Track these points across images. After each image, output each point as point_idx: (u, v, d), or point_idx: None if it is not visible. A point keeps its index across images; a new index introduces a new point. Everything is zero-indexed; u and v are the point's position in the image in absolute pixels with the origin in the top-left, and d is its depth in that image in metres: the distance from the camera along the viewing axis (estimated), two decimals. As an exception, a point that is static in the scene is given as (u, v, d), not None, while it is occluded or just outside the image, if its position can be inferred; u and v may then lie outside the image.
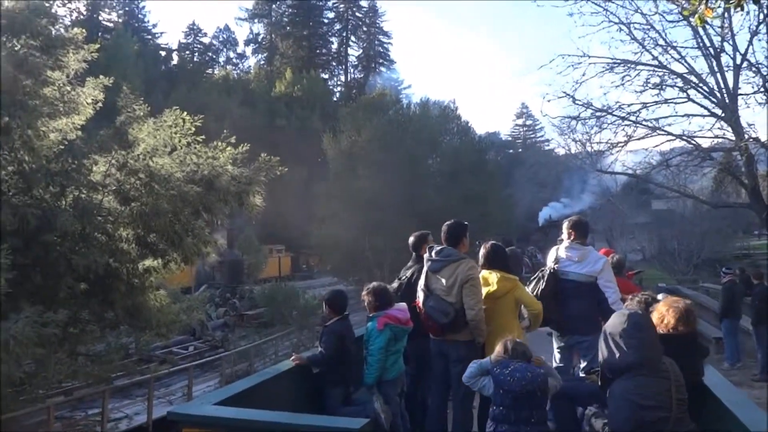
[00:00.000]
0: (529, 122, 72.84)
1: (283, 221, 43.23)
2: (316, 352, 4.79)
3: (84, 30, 8.89)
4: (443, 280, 4.62)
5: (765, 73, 15.09)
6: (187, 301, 11.80)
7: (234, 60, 79.04)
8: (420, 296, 4.73)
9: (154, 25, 68.35)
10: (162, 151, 8.16)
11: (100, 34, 48.61)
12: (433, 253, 4.73)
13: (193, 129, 8.82)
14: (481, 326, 4.58)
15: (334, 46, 79.96)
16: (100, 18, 57.13)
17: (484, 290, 4.70)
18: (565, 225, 5.45)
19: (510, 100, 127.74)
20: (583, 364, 5.06)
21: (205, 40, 75.41)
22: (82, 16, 43.27)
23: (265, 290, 23.35)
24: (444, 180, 29.06)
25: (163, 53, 66.73)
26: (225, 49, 79.12)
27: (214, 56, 77.28)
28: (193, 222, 8.57)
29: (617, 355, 2.99)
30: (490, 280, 4.80)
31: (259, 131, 46.83)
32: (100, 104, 8.84)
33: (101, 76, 8.77)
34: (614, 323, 3.11)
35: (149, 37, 65.23)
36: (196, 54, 74.95)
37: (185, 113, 9.21)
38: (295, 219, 40.54)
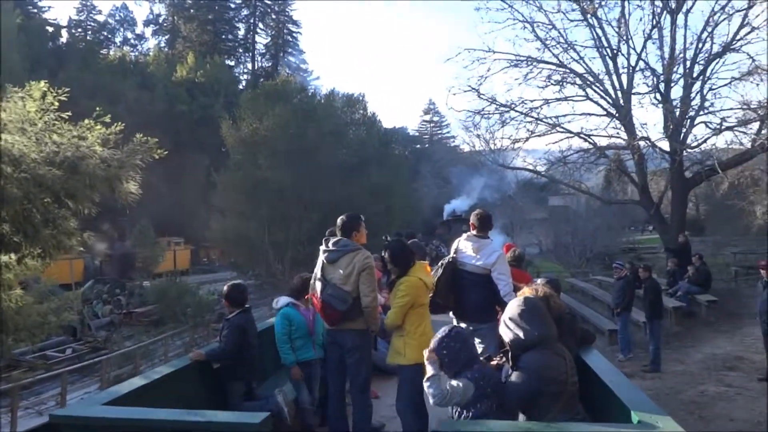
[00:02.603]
0: (435, 118, 73.81)
1: (183, 212, 41.13)
2: (215, 347, 4.75)
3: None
4: (340, 270, 4.68)
5: (659, 74, 15.72)
6: (57, 300, 10.49)
7: (132, 41, 74.36)
8: (317, 286, 4.75)
9: (40, -1, 62.67)
10: (13, 127, 6.97)
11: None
12: (329, 244, 4.80)
13: (57, 104, 7.64)
14: (375, 314, 4.69)
15: (241, 33, 77.00)
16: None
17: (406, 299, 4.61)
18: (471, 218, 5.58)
19: (418, 97, 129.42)
20: (480, 351, 4.99)
21: (100, 18, 70.29)
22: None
23: (156, 286, 21.73)
24: (349, 172, 28.32)
25: (50, 29, 61.35)
26: (122, 29, 74.28)
27: (110, 36, 72.21)
28: (55, 211, 7.43)
29: (521, 333, 3.15)
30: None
31: (158, 117, 44.34)
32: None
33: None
34: (513, 307, 3.29)
35: (35, 10, 59.79)
36: (89, 33, 69.62)
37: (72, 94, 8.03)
38: (195, 210, 38.64)
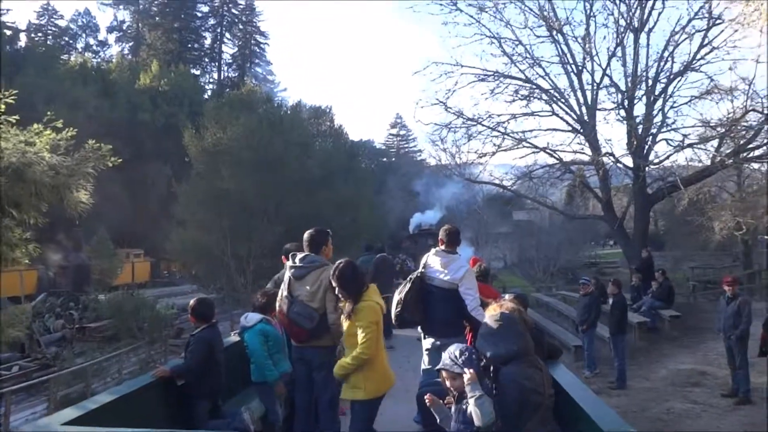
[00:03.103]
0: (402, 132, 73.97)
1: (144, 224, 40.02)
2: (180, 363, 4.60)
3: None
4: (307, 287, 4.66)
5: (623, 91, 15.92)
6: (2, 314, 9.86)
7: (94, 47, 72.74)
8: (284, 304, 4.70)
9: (-4, 0, 60.75)
10: (-48, 131, 6.48)
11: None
12: (296, 260, 4.77)
13: (3, 107, 7.17)
14: (341, 330, 4.57)
15: (208, 42, 76.17)
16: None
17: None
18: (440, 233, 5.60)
19: (385, 110, 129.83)
20: None
21: (62, 23, 68.61)
22: None
23: (110, 299, 20.86)
24: (314, 184, 27.81)
25: (8, 32, 59.49)
26: (84, 35, 72.68)
27: (72, 41, 70.55)
28: (-5, 221, 6.94)
29: (500, 347, 3.20)
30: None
31: (119, 125, 43.22)
32: None
33: None
34: (490, 322, 3.35)
35: (-8, 13, 57.92)
36: (50, 37, 67.89)
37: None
38: (157, 222, 37.61)
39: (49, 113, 7.85)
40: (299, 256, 4.79)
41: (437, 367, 3.43)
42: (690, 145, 15.25)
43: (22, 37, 62.27)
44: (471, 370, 3.18)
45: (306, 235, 4.88)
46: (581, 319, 11.04)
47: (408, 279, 5.40)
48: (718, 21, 15.12)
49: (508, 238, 44.58)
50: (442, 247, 5.43)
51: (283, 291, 4.77)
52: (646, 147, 16.20)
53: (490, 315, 3.43)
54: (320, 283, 4.63)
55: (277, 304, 4.83)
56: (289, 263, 4.85)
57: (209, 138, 26.45)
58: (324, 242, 4.90)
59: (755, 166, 18.94)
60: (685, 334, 12.93)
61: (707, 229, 23.69)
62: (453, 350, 3.38)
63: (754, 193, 22.69)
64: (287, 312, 4.64)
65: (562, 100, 16.83)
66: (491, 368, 3.29)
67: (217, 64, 76.45)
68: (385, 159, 66.05)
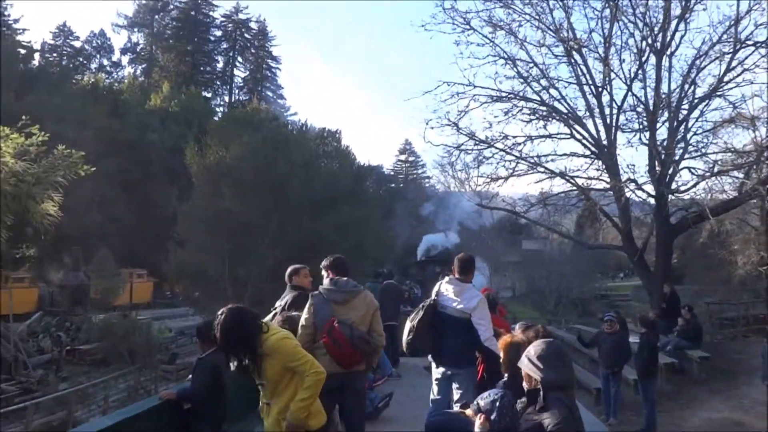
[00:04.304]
0: (411, 158, 73.53)
1: (149, 244, 39.38)
2: (187, 386, 4.59)
3: None
4: (357, 311, 4.67)
5: (644, 115, 15.13)
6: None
7: (108, 68, 73.37)
8: (340, 329, 4.56)
9: (16, 20, 61.43)
10: None
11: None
12: (338, 285, 4.75)
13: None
14: (380, 352, 4.96)
15: (220, 65, 76.82)
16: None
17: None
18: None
19: (395, 137, 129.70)
20: (456, 397, 5.14)
21: (77, 44, 69.34)
22: None
23: (102, 321, 19.96)
24: (319, 206, 26.98)
25: (23, 51, 59.97)
26: (98, 56, 73.50)
27: (86, 62, 71.29)
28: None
29: (553, 371, 3.02)
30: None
31: (128, 145, 43.00)
32: None
33: None
34: (539, 348, 3.15)
35: (9, 32, 58.50)
36: (65, 57, 68.62)
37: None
38: (161, 242, 36.99)
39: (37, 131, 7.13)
40: (340, 279, 4.79)
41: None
42: (720, 173, 14.36)
43: (36, 56, 62.91)
44: (482, 416, 3.11)
45: (335, 259, 4.96)
46: (612, 361, 9.82)
47: (420, 306, 5.40)
48: (744, 44, 14.38)
49: (517, 268, 43.69)
50: (456, 275, 5.39)
51: (318, 315, 4.63)
52: (669, 174, 15.35)
53: (541, 341, 3.27)
54: (368, 307, 4.71)
55: (320, 330, 4.61)
56: (326, 287, 4.78)
57: (212, 156, 25.82)
58: (348, 267, 4.99)
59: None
60: (715, 378, 11.88)
61: (729, 263, 22.68)
62: (486, 394, 3.30)
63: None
64: (350, 336, 4.54)
65: (577, 125, 16.09)
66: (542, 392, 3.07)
67: (228, 87, 77.06)
68: (393, 185, 65.56)
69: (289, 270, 5.77)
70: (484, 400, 3.22)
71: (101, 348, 18.09)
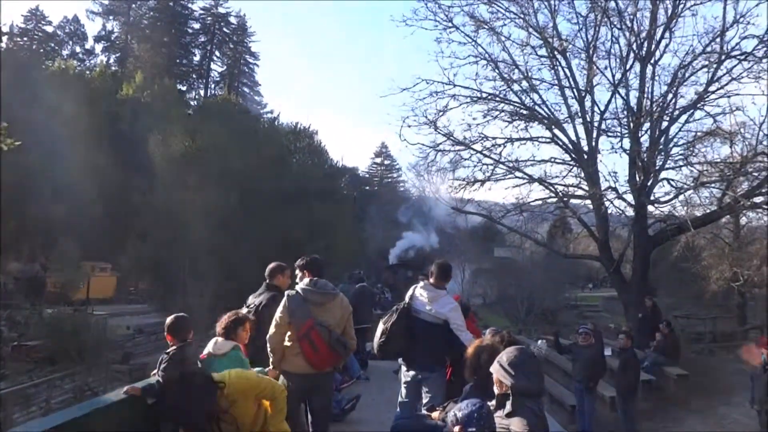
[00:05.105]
0: (387, 162, 72.97)
1: (117, 237, 38.03)
2: (152, 381, 4.40)
3: None
4: (332, 314, 4.71)
5: (625, 123, 14.78)
6: None
7: (81, 56, 71.37)
8: (319, 331, 4.59)
9: (-16, 2, 59.35)
10: None
11: None
12: (316, 286, 4.76)
13: None
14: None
15: (197, 59, 75.30)
16: None
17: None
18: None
19: (371, 140, 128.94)
20: (425, 400, 5.14)
21: (49, 29, 67.39)
22: None
23: (50, 316, 18.81)
24: (288, 202, 26.07)
25: (-10, 35, 57.88)
26: (71, 43, 71.50)
27: (57, 48, 69.33)
28: None
29: (524, 378, 3.01)
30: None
31: (98, 134, 41.58)
32: None
33: None
34: (511, 354, 3.12)
35: (-29, 15, 56.41)
36: (36, 42, 66.65)
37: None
38: (129, 234, 35.71)
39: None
40: (317, 281, 4.79)
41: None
42: (703, 184, 14.06)
43: (4, 39, 60.88)
44: (460, 428, 3.02)
45: (310, 258, 4.96)
46: (586, 375, 9.27)
47: (394, 310, 5.38)
48: (729, 55, 14.12)
49: (489, 275, 43.46)
50: (431, 281, 5.38)
51: (309, 317, 4.61)
52: (648, 185, 15.04)
53: (513, 347, 3.27)
54: (343, 311, 4.77)
55: (295, 330, 4.62)
56: (303, 287, 4.76)
57: (176, 146, 24.80)
58: (324, 267, 4.99)
59: (751, 214, 17.99)
60: (693, 396, 11.49)
61: (702, 278, 22.59)
62: (463, 405, 3.15)
63: (751, 243, 21.73)
64: (329, 340, 4.57)
65: (560, 128, 15.69)
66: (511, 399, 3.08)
67: (204, 81, 75.51)
68: (368, 187, 64.98)
69: (271, 267, 5.62)
70: (462, 411, 3.09)
71: (48, 345, 16.99)
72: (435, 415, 3.56)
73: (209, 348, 4.71)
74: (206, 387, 3.30)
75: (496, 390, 3.13)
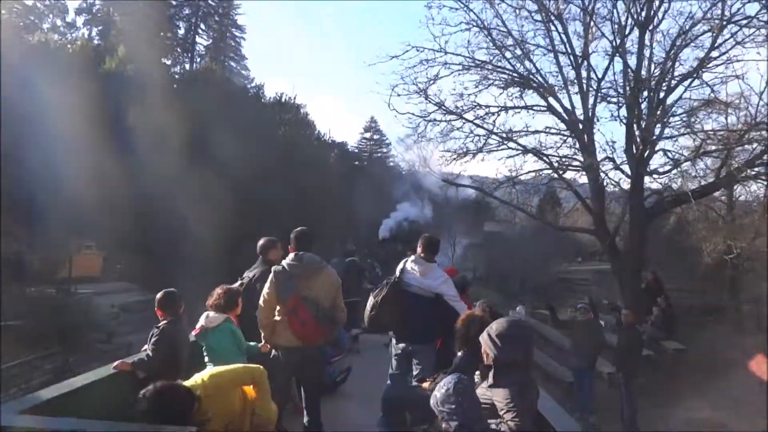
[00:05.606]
0: (376, 137, 72.18)
1: (105, 213, 37.22)
2: (143, 356, 4.53)
3: None
4: (320, 287, 4.73)
5: (623, 93, 14.30)
6: None
7: (62, 29, 69.65)
8: (305, 305, 4.63)
9: (-45, -29, 57.50)
10: None
11: None
12: (302, 260, 4.76)
13: None
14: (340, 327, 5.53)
15: (181, 32, 73.63)
16: None
17: None
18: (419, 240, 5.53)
19: (360, 115, 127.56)
20: (415, 372, 5.16)
21: (29, 2, 65.64)
22: None
23: (30, 295, 18.26)
24: (273, 173, 25.29)
25: (-39, 8, 56.17)
26: (51, 16, 69.72)
27: (37, 21, 67.63)
28: None
29: (509, 349, 2.99)
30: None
31: (80, 107, 40.59)
32: None
33: None
34: (500, 325, 3.11)
35: (-56, -17, 54.69)
36: (14, 15, 64.96)
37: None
38: (116, 209, 34.94)
39: None
40: (301, 255, 4.78)
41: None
42: (704, 154, 13.66)
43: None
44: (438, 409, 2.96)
45: (298, 232, 4.89)
46: (588, 352, 8.90)
47: (384, 283, 5.42)
48: (733, 20, 13.60)
49: (479, 249, 43.39)
50: (421, 254, 5.40)
51: (292, 292, 4.64)
52: (646, 155, 14.62)
53: (503, 319, 3.25)
54: (331, 284, 4.79)
55: (283, 305, 4.68)
56: (288, 261, 4.78)
57: (155, 116, 24.07)
58: (312, 240, 4.96)
59: (750, 188, 17.63)
60: (691, 371, 11.24)
61: (696, 250, 22.30)
62: (441, 384, 2.94)
63: (746, 214, 21.42)
64: (316, 314, 4.62)
65: (555, 97, 15.19)
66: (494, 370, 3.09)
67: (189, 55, 73.95)
68: (357, 162, 64.42)
69: (262, 242, 5.70)
70: (439, 390, 2.89)
71: (27, 325, 16.44)
72: (425, 385, 3.58)
73: (201, 321, 4.75)
74: (184, 401, 3.17)
75: (484, 360, 3.14)
